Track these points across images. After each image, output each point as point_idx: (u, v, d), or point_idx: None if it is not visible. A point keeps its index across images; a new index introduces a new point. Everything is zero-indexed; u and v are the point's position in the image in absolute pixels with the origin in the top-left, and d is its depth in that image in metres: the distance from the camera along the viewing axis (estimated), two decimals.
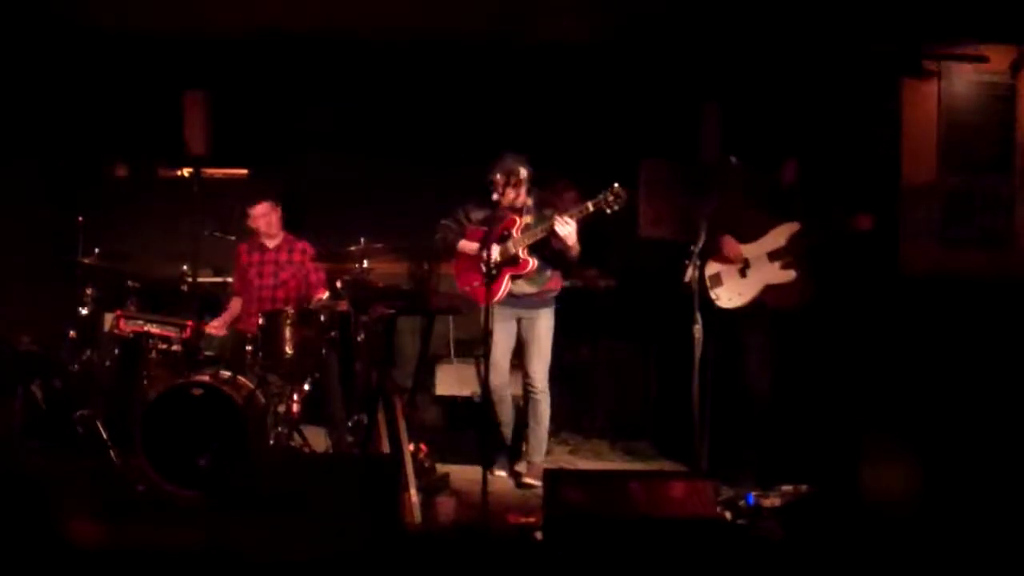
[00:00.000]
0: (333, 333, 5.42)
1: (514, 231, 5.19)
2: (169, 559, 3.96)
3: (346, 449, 5.45)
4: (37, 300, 6.27)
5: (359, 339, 5.42)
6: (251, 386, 5.20)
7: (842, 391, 5.38)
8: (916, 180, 6.07)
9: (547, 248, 5.16)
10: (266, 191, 5.94)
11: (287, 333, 5.22)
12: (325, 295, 5.62)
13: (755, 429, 5.29)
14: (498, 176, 5.09)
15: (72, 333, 5.59)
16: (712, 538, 3.78)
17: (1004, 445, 4.48)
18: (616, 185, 4.90)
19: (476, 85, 7.02)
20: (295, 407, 5.29)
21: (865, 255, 5.64)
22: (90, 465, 5.17)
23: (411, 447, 4.89)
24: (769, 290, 5.28)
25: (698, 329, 4.76)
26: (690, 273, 4.86)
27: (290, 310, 5.31)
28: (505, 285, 5.20)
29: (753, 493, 4.67)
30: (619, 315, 6.75)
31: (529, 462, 5.38)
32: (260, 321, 5.28)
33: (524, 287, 5.24)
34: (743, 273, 5.34)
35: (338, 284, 5.36)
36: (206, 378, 5.06)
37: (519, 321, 5.30)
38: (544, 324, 5.30)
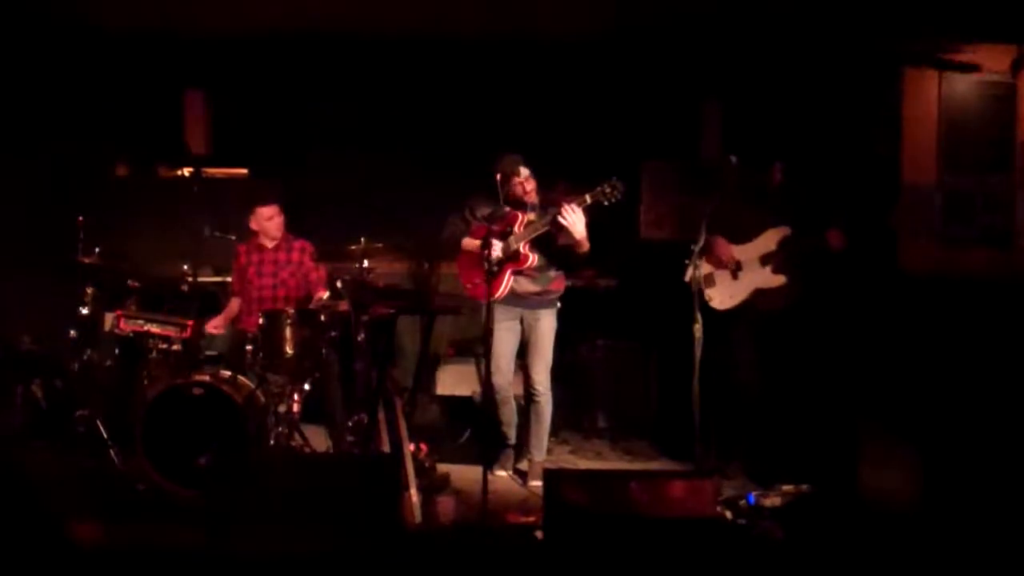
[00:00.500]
0: (333, 333, 5.42)
1: (516, 227, 5.19)
2: (169, 559, 3.96)
3: (346, 449, 5.45)
4: (37, 300, 6.27)
5: (359, 339, 5.42)
6: (251, 386, 5.20)
7: (842, 390, 5.38)
8: (916, 179, 6.06)
9: (554, 245, 5.17)
10: (273, 193, 5.95)
11: (287, 333, 5.22)
12: (325, 295, 5.62)
13: (744, 424, 5.36)
14: (513, 174, 5.13)
15: (72, 333, 5.58)
16: (712, 538, 3.78)
17: (1004, 445, 4.47)
18: (614, 177, 4.93)
19: (476, 84, 7.02)
20: (295, 407, 5.29)
21: (865, 254, 5.64)
22: (90, 465, 5.18)
23: (411, 447, 4.89)
24: (758, 293, 5.35)
25: (698, 329, 4.77)
26: (690, 273, 4.87)
27: (290, 310, 5.31)
28: (507, 282, 5.19)
29: (754, 493, 4.67)
30: (620, 315, 6.75)
31: (531, 460, 5.38)
32: (260, 321, 5.28)
33: (528, 286, 5.24)
34: (735, 275, 5.38)
35: (338, 284, 5.36)
36: (206, 378, 5.06)
37: (522, 321, 5.30)
38: (547, 324, 5.30)
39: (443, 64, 6.94)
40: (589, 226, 5.05)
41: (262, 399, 5.21)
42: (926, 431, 4.52)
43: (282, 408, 5.26)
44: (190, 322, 5.43)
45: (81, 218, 5.70)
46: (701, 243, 4.95)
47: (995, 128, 6.05)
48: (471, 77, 7.00)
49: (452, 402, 6.44)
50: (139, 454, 4.91)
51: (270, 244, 5.83)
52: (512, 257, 5.17)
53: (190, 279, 5.86)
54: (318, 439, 5.62)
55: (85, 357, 5.61)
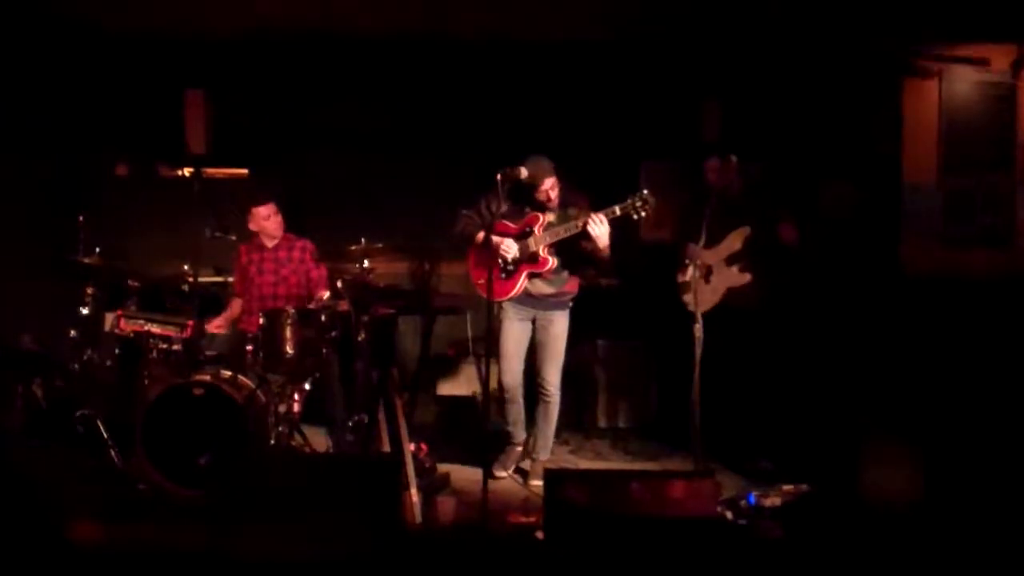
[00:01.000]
0: (334, 333, 5.42)
1: (536, 228, 5.13)
2: (169, 558, 3.96)
3: (346, 449, 5.45)
4: (38, 299, 6.27)
5: (359, 339, 5.41)
6: (252, 386, 5.20)
7: (843, 390, 5.38)
8: (917, 179, 6.07)
9: (575, 248, 5.11)
10: (268, 192, 5.95)
11: (288, 333, 5.22)
12: (326, 295, 5.62)
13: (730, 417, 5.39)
14: (534, 181, 5.00)
15: (73, 332, 5.58)
16: (712, 538, 3.78)
17: (1005, 445, 4.47)
18: (645, 191, 4.87)
19: (476, 84, 7.02)
20: (295, 407, 5.30)
21: (867, 254, 5.65)
22: (91, 465, 5.17)
23: (411, 447, 4.89)
24: (730, 293, 5.40)
25: (699, 328, 4.77)
26: (690, 272, 4.88)
27: (291, 309, 5.31)
28: (521, 282, 5.16)
29: (754, 493, 4.67)
30: (621, 314, 6.75)
31: (534, 460, 5.37)
32: (261, 321, 5.28)
33: (542, 287, 5.20)
34: (707, 279, 5.42)
35: (339, 284, 5.35)
36: (207, 378, 5.06)
37: (534, 321, 5.27)
38: (560, 326, 5.27)
39: (443, 64, 6.94)
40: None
41: (263, 399, 5.21)
42: (927, 431, 4.52)
43: (282, 408, 5.26)
44: (190, 322, 5.43)
45: (81, 218, 5.70)
46: (701, 243, 4.96)
47: (995, 128, 6.06)
48: (471, 77, 6.99)
49: (452, 402, 6.44)
50: (139, 454, 4.90)
51: (271, 243, 5.84)
52: (530, 259, 5.13)
53: (190, 279, 5.86)
54: (318, 439, 5.62)
55: (85, 357, 5.60)
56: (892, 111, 6.07)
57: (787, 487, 4.70)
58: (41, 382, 5.72)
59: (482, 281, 5.19)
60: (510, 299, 5.14)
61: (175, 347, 5.37)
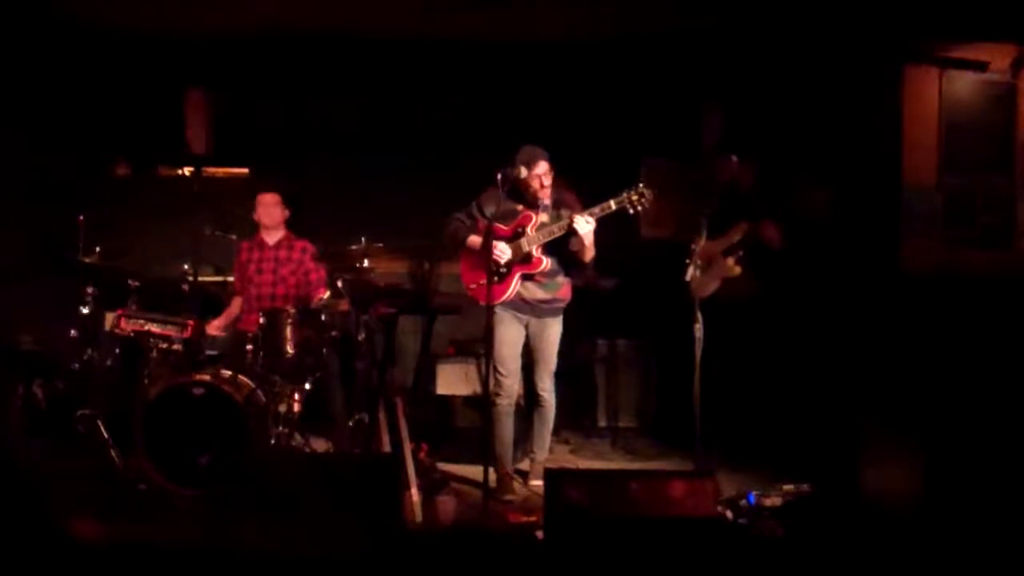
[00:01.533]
0: (334, 333, 5.42)
1: (529, 228, 5.06)
2: (169, 558, 3.96)
3: (346, 449, 5.45)
4: (38, 299, 6.27)
5: (360, 339, 5.42)
6: (252, 385, 5.20)
7: (843, 389, 5.38)
8: (917, 179, 6.06)
9: (562, 249, 5.05)
10: (276, 183, 5.99)
11: (288, 332, 5.23)
12: (326, 294, 5.62)
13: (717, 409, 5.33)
14: (528, 170, 4.94)
15: (73, 332, 5.58)
16: (712, 537, 3.78)
17: (1005, 444, 4.47)
18: (641, 184, 4.82)
19: (477, 83, 7.03)
20: (295, 407, 5.29)
21: (867, 253, 5.65)
22: (91, 464, 5.17)
23: (411, 447, 4.89)
24: (724, 283, 5.47)
25: (699, 328, 4.77)
26: (691, 272, 4.88)
27: (291, 309, 5.32)
28: (515, 284, 5.06)
29: (754, 492, 4.67)
30: (620, 314, 6.75)
31: (533, 460, 5.35)
32: (260, 320, 5.28)
33: (537, 292, 5.11)
34: (707, 268, 5.45)
35: (339, 283, 5.35)
36: (207, 377, 5.06)
37: (528, 327, 5.18)
38: (553, 333, 5.20)
39: (443, 64, 6.94)
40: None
41: (263, 399, 5.21)
42: (927, 431, 4.52)
43: (282, 408, 5.26)
44: (191, 322, 5.43)
45: (81, 218, 5.70)
46: (702, 243, 4.97)
47: (995, 128, 6.06)
48: (471, 77, 7.00)
49: (452, 402, 6.44)
50: (139, 454, 4.90)
51: (271, 241, 5.84)
52: (524, 260, 5.05)
53: (190, 279, 5.86)
54: (318, 439, 5.62)
55: (86, 357, 5.61)
56: (892, 111, 6.06)
57: (787, 487, 4.70)
58: (42, 382, 5.73)
59: (474, 285, 5.13)
60: (504, 302, 5.08)
61: (175, 347, 5.37)
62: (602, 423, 6.74)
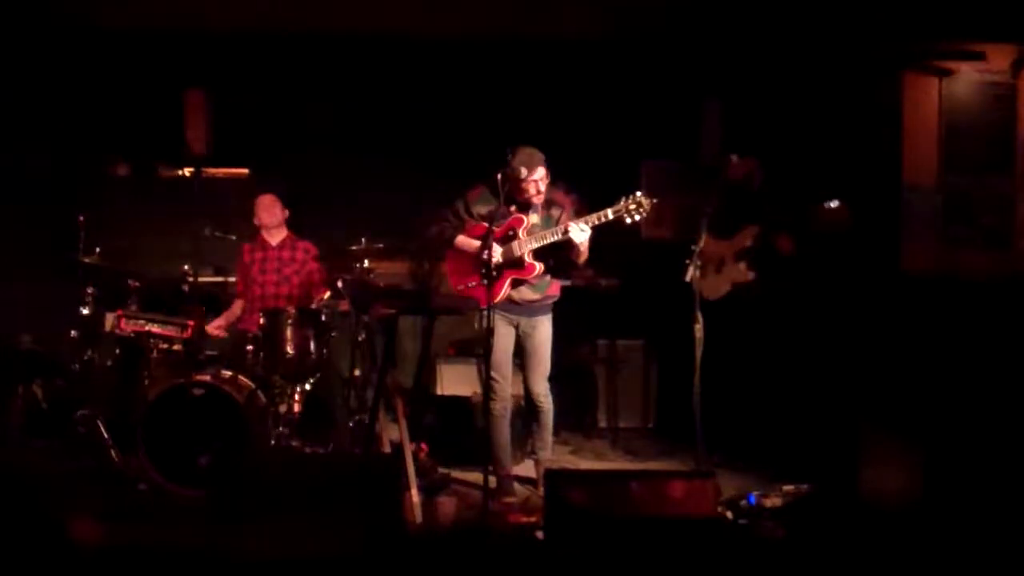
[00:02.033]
0: (334, 333, 5.42)
1: (520, 231, 4.96)
2: (170, 558, 3.96)
3: (346, 449, 5.45)
4: (38, 299, 6.27)
5: (360, 339, 5.42)
6: (252, 386, 5.20)
7: (843, 390, 5.38)
8: (917, 179, 6.07)
9: (554, 252, 4.96)
10: (273, 185, 6.01)
11: (288, 333, 5.23)
12: (326, 295, 5.63)
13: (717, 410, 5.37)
14: (528, 173, 4.82)
15: (73, 332, 5.57)
16: (713, 538, 3.78)
17: (1004, 444, 4.47)
18: (639, 193, 4.74)
19: (476, 83, 7.03)
20: (296, 407, 5.29)
21: (866, 253, 5.65)
22: (91, 465, 5.17)
23: (411, 447, 4.88)
24: (736, 288, 5.47)
25: (699, 328, 4.77)
26: (691, 272, 4.88)
27: (291, 309, 5.32)
28: (506, 288, 4.96)
29: (754, 493, 4.68)
30: (620, 315, 6.75)
31: (537, 463, 5.27)
32: (261, 320, 5.28)
33: (526, 293, 5.03)
34: (719, 269, 5.45)
35: (339, 284, 5.35)
36: (207, 378, 5.06)
37: (518, 328, 5.10)
38: (544, 331, 5.11)
39: (443, 64, 6.94)
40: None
41: (263, 399, 5.21)
42: (927, 431, 4.52)
43: (283, 408, 5.26)
44: (191, 322, 5.43)
45: (81, 218, 5.70)
46: (702, 243, 4.96)
47: (995, 128, 6.06)
48: (472, 77, 7.00)
49: (452, 402, 6.43)
50: (140, 454, 4.90)
51: (274, 241, 5.85)
52: (515, 264, 4.94)
53: (190, 279, 5.86)
54: (318, 439, 5.62)
55: (86, 357, 5.60)
56: (892, 111, 6.07)
57: (787, 487, 4.70)
58: (41, 382, 5.73)
59: (462, 287, 5.04)
60: (494, 305, 4.97)
61: (175, 347, 5.37)
62: (602, 423, 6.74)
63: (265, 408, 5.20)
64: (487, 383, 5.00)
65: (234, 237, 6.04)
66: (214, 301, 6.13)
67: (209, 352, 5.59)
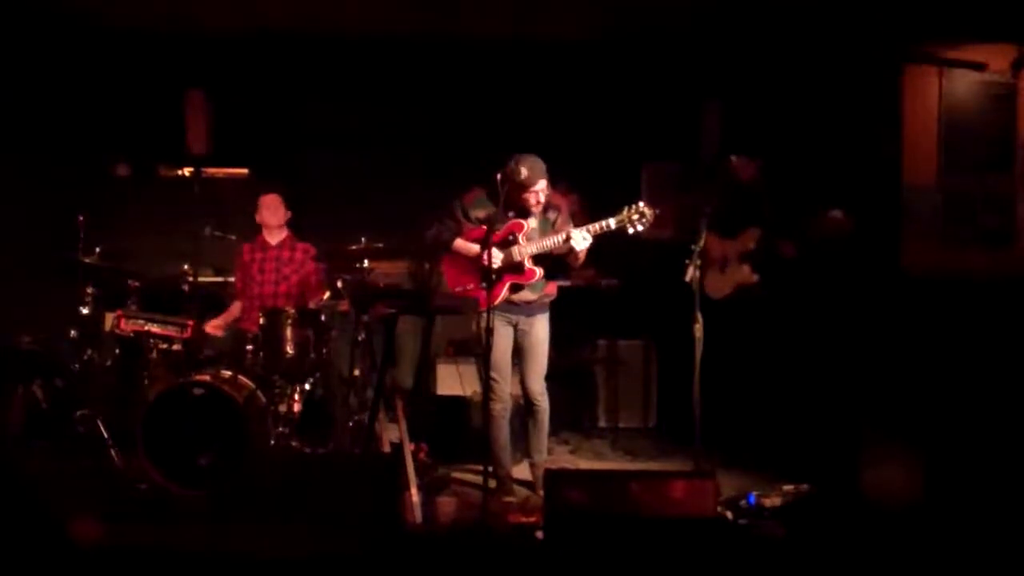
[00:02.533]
0: (333, 333, 5.42)
1: (520, 237, 4.98)
2: (169, 559, 3.96)
3: (346, 449, 5.45)
4: (38, 299, 6.27)
5: (359, 339, 5.42)
6: (252, 386, 5.20)
7: (843, 390, 5.38)
8: (917, 179, 6.06)
9: (550, 255, 4.98)
10: (275, 185, 6.01)
11: (288, 333, 5.23)
12: (326, 295, 5.63)
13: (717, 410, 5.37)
14: (529, 182, 4.82)
15: (73, 332, 5.58)
16: (713, 537, 3.78)
17: (1005, 444, 4.47)
18: (641, 203, 4.76)
19: (477, 84, 7.03)
20: (295, 407, 5.29)
21: (867, 254, 5.65)
22: (91, 464, 5.17)
23: (411, 447, 4.88)
24: (739, 289, 5.53)
25: (699, 328, 4.76)
26: (691, 272, 4.88)
27: (291, 309, 5.32)
28: (505, 292, 4.99)
29: (754, 493, 4.68)
30: (620, 314, 6.75)
31: (534, 465, 5.26)
32: (261, 320, 5.28)
33: (524, 294, 5.04)
34: (722, 269, 5.46)
35: (339, 284, 5.35)
36: (207, 378, 5.05)
37: (516, 326, 5.11)
38: (541, 329, 5.12)
39: (443, 64, 6.94)
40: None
41: (263, 399, 5.21)
42: (927, 431, 4.52)
43: (282, 408, 5.26)
44: (190, 322, 5.43)
45: (81, 218, 5.70)
46: (702, 243, 4.96)
47: (995, 128, 6.05)
48: (471, 77, 7.00)
49: (452, 402, 6.43)
50: (140, 454, 4.90)
51: (273, 241, 5.85)
52: (515, 269, 4.97)
53: (191, 279, 5.86)
54: (318, 439, 5.61)
55: (85, 357, 5.61)
56: (892, 111, 6.07)
57: (788, 487, 4.70)
58: (41, 382, 5.72)
59: (460, 289, 5.05)
60: (492, 307, 4.97)
61: (175, 347, 5.38)
62: (602, 423, 6.74)
63: (265, 408, 5.19)
64: (486, 383, 5.01)
65: (234, 237, 6.04)
66: (214, 301, 6.13)
67: (209, 352, 5.59)
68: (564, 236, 4.82)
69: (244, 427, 4.91)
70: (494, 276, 4.81)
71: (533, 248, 4.94)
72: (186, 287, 5.86)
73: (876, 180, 6.04)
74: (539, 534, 4.16)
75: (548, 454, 5.55)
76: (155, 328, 5.37)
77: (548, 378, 5.21)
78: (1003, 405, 4.72)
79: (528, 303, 5.08)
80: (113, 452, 5.17)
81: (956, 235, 6.06)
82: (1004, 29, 5.83)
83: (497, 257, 4.91)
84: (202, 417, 4.91)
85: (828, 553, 4.14)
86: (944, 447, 4.43)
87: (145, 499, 4.82)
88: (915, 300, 5.70)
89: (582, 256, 4.89)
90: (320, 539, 3.74)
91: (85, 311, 5.56)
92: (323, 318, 5.34)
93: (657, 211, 4.79)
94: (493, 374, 4.99)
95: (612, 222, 4.78)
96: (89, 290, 5.57)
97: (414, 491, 4.58)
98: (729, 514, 4.55)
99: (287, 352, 5.22)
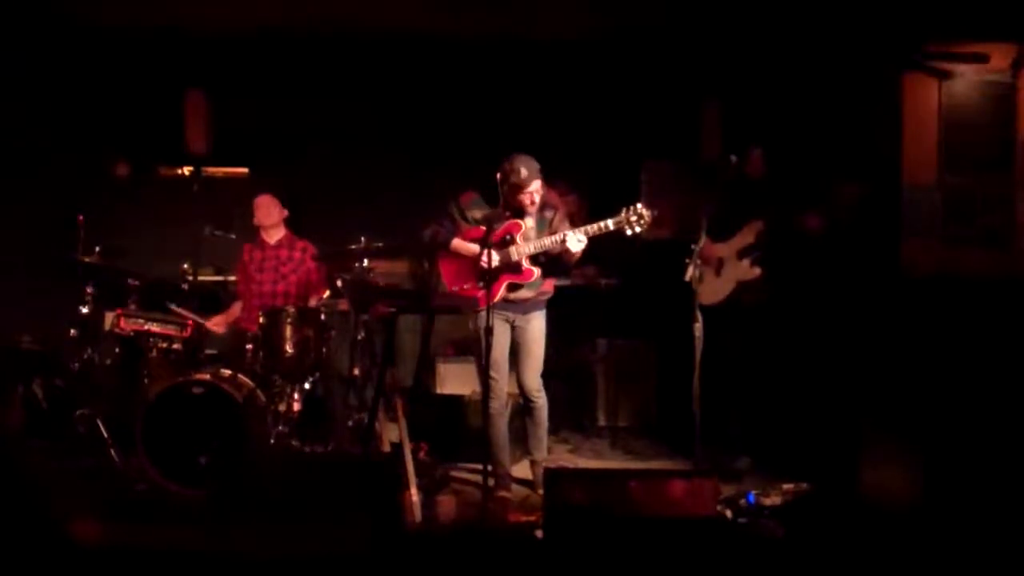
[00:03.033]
0: (333, 332, 5.42)
1: (518, 236, 4.98)
2: (169, 558, 3.96)
3: (346, 449, 5.45)
4: (38, 299, 6.28)
5: (359, 338, 5.41)
6: (252, 385, 5.20)
7: (843, 389, 5.38)
8: (917, 179, 6.07)
9: (546, 255, 4.99)
10: (270, 185, 6.01)
11: (287, 332, 5.23)
12: (325, 295, 5.63)
13: (737, 413, 5.43)
14: (524, 182, 4.83)
15: (73, 332, 5.58)
16: (712, 537, 3.78)
17: (1005, 444, 4.47)
18: (639, 205, 4.76)
19: (476, 83, 7.03)
20: (295, 406, 5.29)
21: (867, 254, 5.65)
22: (91, 464, 5.18)
23: (411, 447, 4.88)
24: (741, 287, 5.42)
25: (699, 328, 4.76)
26: (691, 272, 4.88)
27: (291, 309, 5.32)
28: (502, 291, 4.99)
29: (754, 492, 4.67)
30: (620, 314, 6.75)
31: (533, 462, 5.27)
32: (261, 319, 5.28)
33: (521, 292, 5.05)
34: (718, 272, 5.43)
35: (339, 283, 5.35)
36: (207, 377, 5.06)
37: (513, 323, 5.11)
38: (537, 326, 5.12)
39: (443, 63, 6.94)
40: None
41: (262, 398, 5.21)
42: (927, 430, 4.52)
43: (282, 407, 5.26)
44: (190, 322, 5.44)
45: (81, 217, 5.70)
46: (701, 243, 4.96)
47: (995, 128, 6.06)
48: (471, 76, 7.00)
49: (452, 402, 6.43)
50: (139, 453, 4.90)
51: (272, 240, 5.86)
52: (513, 269, 4.97)
53: (190, 278, 5.86)
54: (318, 438, 5.62)
55: (85, 356, 5.61)
56: (892, 111, 6.07)
57: (787, 486, 4.70)
58: (41, 382, 5.72)
59: (457, 289, 5.05)
60: (491, 306, 4.96)
61: (175, 346, 5.38)
62: (602, 423, 6.74)
63: (264, 407, 5.20)
64: (485, 382, 5.01)
65: (234, 237, 6.05)
66: (214, 300, 6.14)
67: (209, 351, 5.59)
68: (560, 237, 4.83)
69: (244, 426, 4.92)
70: (491, 276, 4.81)
71: (530, 248, 4.95)
72: (186, 286, 5.87)
73: (876, 180, 6.04)
74: (539, 533, 4.16)
75: (548, 453, 5.55)
76: (155, 327, 5.38)
77: (548, 377, 5.21)
78: (1003, 405, 4.72)
79: (524, 300, 5.08)
80: (113, 452, 5.17)
81: (956, 235, 6.07)
82: (1004, 29, 5.83)
83: (495, 257, 4.90)
84: (202, 416, 4.91)
85: (828, 553, 4.14)
86: (944, 447, 4.43)
87: (145, 499, 4.83)
88: (915, 300, 5.70)
89: (577, 255, 4.89)
90: (320, 539, 3.73)
91: (85, 311, 5.57)
92: (322, 317, 5.34)
93: (655, 212, 4.80)
94: (492, 372, 5.00)
95: (610, 223, 4.79)
96: (89, 290, 5.58)
97: (414, 491, 4.58)
98: (729, 513, 4.54)
99: (287, 351, 5.23)
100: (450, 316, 6.05)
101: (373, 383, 5.14)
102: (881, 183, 6.06)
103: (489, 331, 4.60)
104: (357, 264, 5.24)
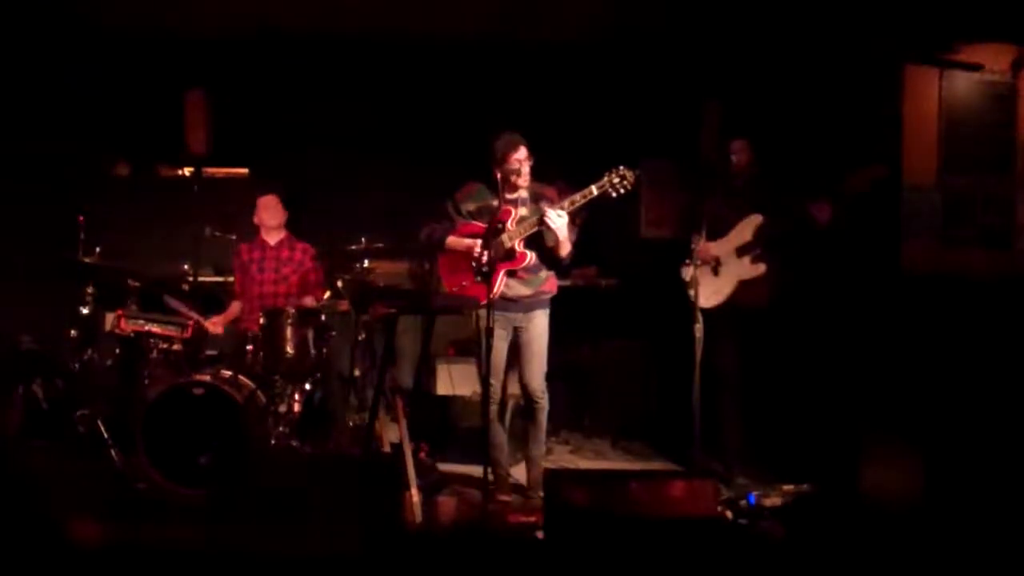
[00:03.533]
0: (333, 333, 5.42)
1: (509, 223, 4.92)
2: (169, 558, 3.96)
3: (346, 449, 5.45)
4: (38, 299, 6.28)
5: (360, 339, 5.42)
6: (252, 385, 5.20)
7: (843, 390, 5.38)
8: (917, 179, 6.06)
9: (542, 246, 4.95)
10: (273, 186, 6.02)
11: (288, 332, 5.23)
12: (326, 295, 5.63)
13: (735, 418, 5.36)
14: (511, 152, 4.87)
15: (73, 332, 5.58)
16: (713, 537, 3.78)
17: (1005, 444, 4.47)
18: (621, 166, 4.72)
19: (476, 83, 7.03)
20: (295, 407, 5.29)
21: (867, 254, 5.65)
22: (91, 464, 5.17)
23: (411, 447, 4.88)
24: (741, 286, 5.35)
25: (699, 328, 4.76)
26: (690, 272, 4.88)
27: (291, 309, 5.33)
28: (500, 282, 4.89)
29: (754, 493, 4.68)
30: (620, 314, 6.75)
31: (532, 466, 5.20)
32: (261, 320, 5.29)
33: (520, 289, 4.98)
34: (715, 271, 5.38)
35: (339, 284, 5.35)
36: (207, 377, 5.06)
37: (514, 327, 5.04)
38: (540, 326, 5.05)
39: (443, 64, 6.94)
40: (589, 226, 4.97)
41: (263, 399, 5.21)
42: (927, 431, 4.52)
43: (282, 408, 5.26)
44: (190, 322, 5.44)
45: (81, 218, 5.70)
46: (701, 242, 4.96)
47: (995, 128, 6.05)
48: (471, 77, 7.00)
49: (452, 402, 6.44)
50: (139, 454, 4.90)
51: (272, 241, 5.86)
52: (507, 256, 4.90)
53: (191, 278, 5.86)
54: (318, 439, 5.62)
55: (85, 357, 5.61)
56: (892, 111, 6.06)
57: (788, 487, 4.70)
58: (41, 382, 5.72)
59: (456, 288, 5.01)
60: (493, 302, 4.93)
61: (175, 347, 5.38)
62: (602, 424, 6.74)
63: (265, 408, 5.20)
64: (485, 383, 4.99)
65: (234, 237, 6.05)
66: (214, 300, 6.14)
67: (209, 352, 5.59)
68: (539, 216, 4.78)
69: (244, 427, 4.91)
70: (487, 268, 4.77)
71: (521, 231, 4.89)
72: (186, 286, 5.87)
73: (876, 180, 6.04)
74: (539, 534, 4.17)
75: (548, 454, 5.55)
76: (155, 328, 5.38)
77: (548, 378, 5.18)
78: (1003, 405, 4.73)
79: (525, 298, 5.01)
80: (113, 452, 5.17)
81: (956, 235, 6.06)
82: (1004, 29, 5.83)
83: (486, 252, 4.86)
84: (202, 417, 4.91)
85: (828, 553, 4.14)
86: (944, 447, 4.44)
87: (145, 499, 4.83)
88: (915, 300, 5.70)
89: (563, 238, 4.80)
90: (320, 539, 3.73)
91: (85, 311, 5.57)
92: (323, 318, 5.34)
93: (638, 172, 4.73)
94: (490, 379, 4.97)
95: (594, 189, 4.74)
96: (89, 290, 5.57)
97: (414, 491, 4.58)
98: (729, 514, 4.55)
99: (287, 352, 5.23)
100: (450, 317, 6.05)
101: (373, 384, 5.14)
102: (881, 183, 6.05)
103: (489, 332, 4.56)
104: (357, 265, 5.25)
